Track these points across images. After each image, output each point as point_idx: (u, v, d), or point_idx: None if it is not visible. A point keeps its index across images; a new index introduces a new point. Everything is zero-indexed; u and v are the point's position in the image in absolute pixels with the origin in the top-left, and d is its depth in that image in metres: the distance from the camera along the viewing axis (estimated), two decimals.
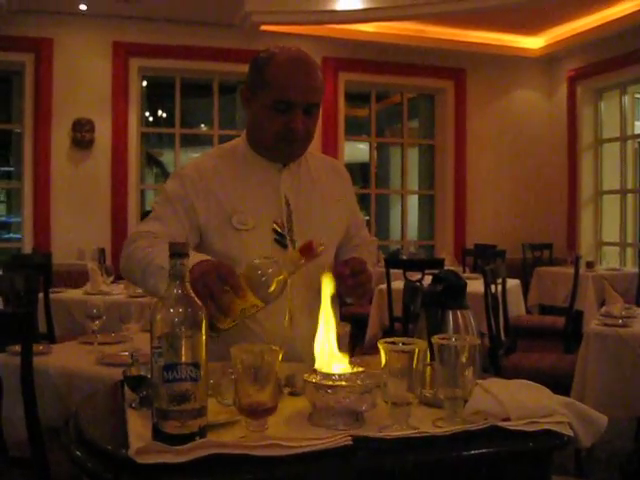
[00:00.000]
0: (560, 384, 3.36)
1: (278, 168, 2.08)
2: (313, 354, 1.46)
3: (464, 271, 7.40)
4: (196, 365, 1.22)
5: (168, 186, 2.06)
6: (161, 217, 1.99)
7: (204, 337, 1.24)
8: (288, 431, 1.30)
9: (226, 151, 2.16)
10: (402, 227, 9.98)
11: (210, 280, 1.49)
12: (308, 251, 1.59)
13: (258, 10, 7.91)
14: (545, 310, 7.72)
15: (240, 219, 1.99)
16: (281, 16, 8.12)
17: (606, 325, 3.74)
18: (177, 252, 1.27)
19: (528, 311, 7.25)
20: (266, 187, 2.06)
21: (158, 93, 10.21)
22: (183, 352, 1.21)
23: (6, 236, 10.71)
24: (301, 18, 8.19)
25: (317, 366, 1.42)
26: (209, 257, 1.66)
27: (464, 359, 1.37)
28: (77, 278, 6.05)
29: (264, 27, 8.23)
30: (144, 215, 8.01)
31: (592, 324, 3.84)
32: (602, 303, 5.48)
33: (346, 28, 8.59)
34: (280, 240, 2.01)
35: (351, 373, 1.38)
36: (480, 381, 1.44)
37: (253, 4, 7.83)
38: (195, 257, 1.58)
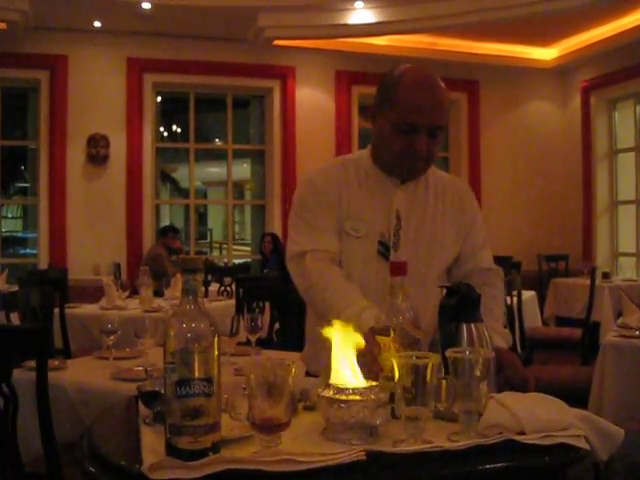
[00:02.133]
0: (577, 396, 3.33)
1: (395, 183, 2.12)
2: None
3: None
4: (209, 380, 1.22)
5: (304, 196, 2.14)
6: (318, 226, 2.07)
7: (216, 352, 1.24)
8: (302, 446, 1.30)
9: (350, 161, 2.21)
10: None
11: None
12: (393, 270, 1.65)
13: (271, 25, 7.94)
14: (561, 322, 7.65)
15: (352, 225, 2.07)
16: (294, 31, 8.15)
17: (623, 336, 3.71)
18: (190, 268, 1.27)
19: (544, 323, 7.21)
20: (380, 200, 2.10)
21: (172, 108, 10.26)
22: (196, 367, 1.22)
23: (22, 252, 10.75)
24: (314, 32, 8.22)
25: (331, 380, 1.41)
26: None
27: (478, 372, 1.36)
28: (93, 293, 6.06)
29: (277, 42, 8.28)
30: (161, 231, 8.05)
31: (609, 335, 3.81)
32: (619, 314, 5.43)
33: (359, 42, 8.62)
34: (384, 252, 2.06)
35: (365, 387, 1.37)
36: (495, 394, 1.43)
37: (266, 19, 7.87)
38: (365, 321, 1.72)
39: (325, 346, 1.72)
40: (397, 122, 2.00)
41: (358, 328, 1.77)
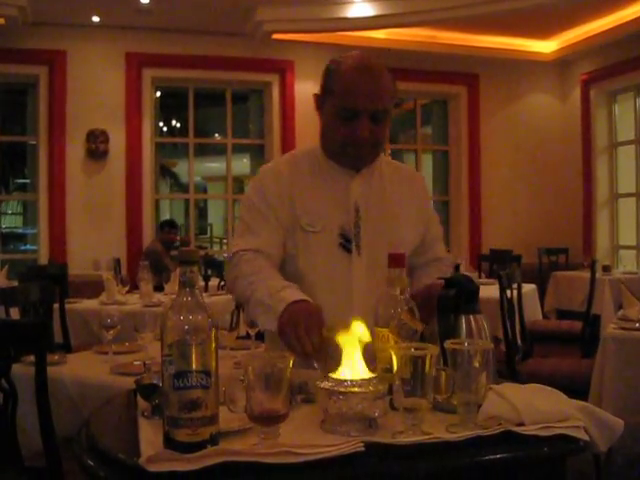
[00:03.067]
0: (578, 389, 3.33)
1: (350, 174, 2.09)
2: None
3: (480, 276, 7.36)
4: (207, 372, 1.22)
5: (251, 195, 2.12)
6: (254, 229, 2.05)
7: (214, 344, 1.24)
8: (300, 438, 1.29)
9: (299, 157, 2.19)
10: None
11: (297, 332, 1.64)
12: (391, 262, 1.64)
13: (269, 19, 7.93)
14: (562, 315, 7.65)
15: (309, 221, 2.04)
16: (292, 24, 8.13)
17: (623, 329, 3.70)
18: (187, 260, 1.27)
19: (545, 316, 7.21)
20: (336, 192, 2.08)
21: (171, 103, 10.25)
22: (193, 359, 1.21)
23: (22, 248, 10.77)
24: (312, 26, 8.20)
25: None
26: (297, 298, 1.77)
27: (477, 364, 1.36)
28: (93, 288, 6.06)
29: (276, 36, 8.25)
30: (161, 225, 8.04)
31: (609, 328, 3.80)
32: (619, 307, 5.43)
33: (358, 35, 8.58)
34: (345, 245, 2.04)
35: (363, 379, 1.37)
36: (494, 386, 1.43)
37: (264, 13, 7.85)
38: (287, 296, 1.76)
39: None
40: (337, 109, 1.99)
41: (277, 302, 1.76)
